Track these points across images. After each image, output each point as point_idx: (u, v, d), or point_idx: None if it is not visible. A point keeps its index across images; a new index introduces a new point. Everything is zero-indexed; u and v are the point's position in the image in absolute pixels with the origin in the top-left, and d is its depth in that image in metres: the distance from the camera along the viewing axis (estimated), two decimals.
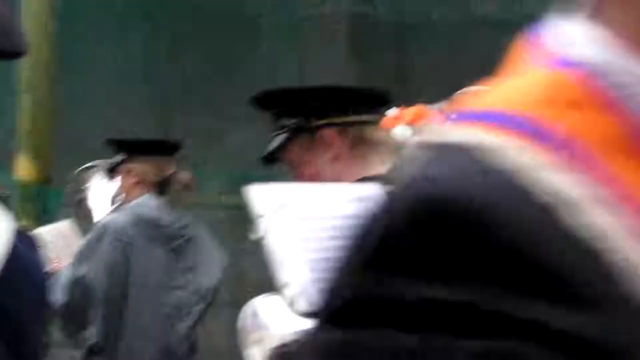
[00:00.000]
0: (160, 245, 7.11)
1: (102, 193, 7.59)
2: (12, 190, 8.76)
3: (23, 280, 2.41)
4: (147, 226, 7.12)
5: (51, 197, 9.05)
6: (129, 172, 7.22)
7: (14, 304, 2.38)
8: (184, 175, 7.27)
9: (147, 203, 7.15)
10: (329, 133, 4.08)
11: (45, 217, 8.84)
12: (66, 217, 8.27)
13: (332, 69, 9.74)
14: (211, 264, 7.25)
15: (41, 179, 9.03)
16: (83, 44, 9.70)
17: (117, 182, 7.48)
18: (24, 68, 8.72)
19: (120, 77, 9.92)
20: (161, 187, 7.24)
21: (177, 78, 10.35)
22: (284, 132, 4.14)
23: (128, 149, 7.28)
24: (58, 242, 7.35)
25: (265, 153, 4.21)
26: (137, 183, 7.22)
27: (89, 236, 7.14)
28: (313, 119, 4.11)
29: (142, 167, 7.24)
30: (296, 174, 4.14)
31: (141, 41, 10.24)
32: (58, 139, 9.12)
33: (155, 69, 10.24)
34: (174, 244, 7.15)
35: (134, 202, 7.14)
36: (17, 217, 8.59)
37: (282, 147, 4.13)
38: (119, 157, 7.27)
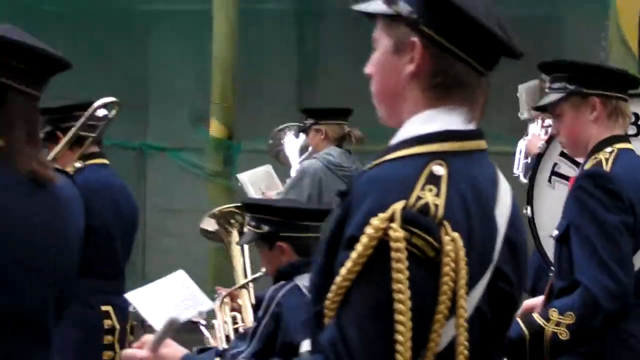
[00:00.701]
0: (341, 181, 7.85)
1: (292, 146, 8.54)
2: (208, 143, 10.14)
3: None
4: (334, 169, 7.94)
5: (233, 149, 10.21)
6: (317, 131, 8.06)
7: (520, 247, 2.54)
8: (357, 133, 8.10)
9: (332, 153, 7.97)
10: (596, 100, 4.39)
11: (229, 162, 10.14)
12: (244, 163, 9.40)
13: None
14: None
15: (227, 136, 10.16)
16: (261, 44, 10.66)
17: (301, 138, 8.45)
18: (216, 57, 9.96)
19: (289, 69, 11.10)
20: (340, 141, 8.08)
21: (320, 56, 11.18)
22: (561, 92, 4.46)
23: (318, 115, 8.14)
24: (262, 180, 8.31)
25: (539, 103, 4.58)
26: (324, 139, 8.04)
27: (294, 175, 8.08)
28: (588, 87, 4.41)
29: (328, 127, 8.06)
30: (558, 125, 4.56)
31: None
32: (238, 108, 10.23)
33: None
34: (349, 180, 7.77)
35: (323, 152, 7.97)
36: (211, 163, 10.01)
37: (555, 102, 4.47)
38: (310, 120, 8.13)
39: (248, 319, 5.82)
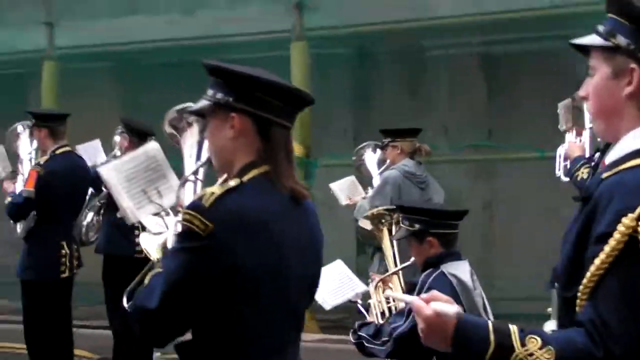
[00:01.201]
0: (415, 186, 8.37)
1: (371, 160, 8.91)
2: None
3: None
4: (410, 177, 8.37)
5: (310, 165, 10.88)
6: (394, 147, 8.50)
7: None
8: (425, 147, 8.60)
9: (407, 164, 8.40)
10: None
11: (308, 176, 10.76)
12: (320, 176, 10.04)
13: None
14: (438, 196, 8.53)
15: (305, 155, 10.83)
16: (328, 83, 11.25)
17: (378, 154, 8.80)
18: None
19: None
20: (413, 154, 8.51)
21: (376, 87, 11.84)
22: None
23: (395, 134, 8.55)
24: (348, 188, 8.72)
25: None
26: (400, 153, 8.45)
27: (378, 183, 8.40)
28: None
29: (403, 143, 8.49)
30: None
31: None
32: (313, 132, 10.91)
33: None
34: (422, 185, 8.43)
35: (399, 164, 8.39)
36: None
37: None
38: (388, 139, 8.54)
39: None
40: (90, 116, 9.48)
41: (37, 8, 11.84)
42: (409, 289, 5.44)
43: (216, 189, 3.06)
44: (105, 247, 8.89)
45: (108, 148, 9.43)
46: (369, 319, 5.79)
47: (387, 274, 6.06)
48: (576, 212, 2.60)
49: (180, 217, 3.40)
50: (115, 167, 4.35)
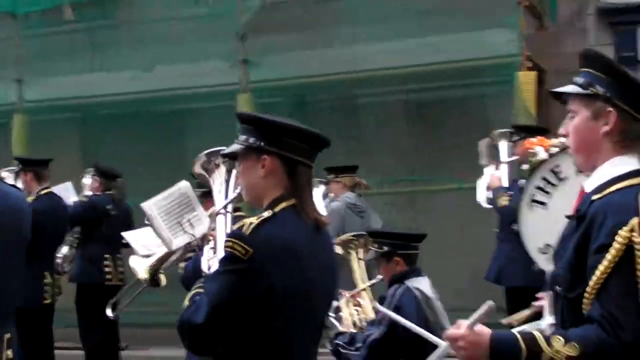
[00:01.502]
0: (356, 215, 8.82)
1: (317, 194, 8.83)
2: (243, 206, 10.74)
3: None
4: (351, 207, 8.83)
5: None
6: (337, 182, 9.00)
7: None
8: (364, 182, 9.10)
9: (349, 196, 8.90)
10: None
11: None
12: None
13: None
14: (376, 224, 8.85)
15: None
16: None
17: (322, 188, 9.10)
18: None
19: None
20: (353, 188, 9.00)
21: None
22: None
23: (338, 171, 8.98)
24: None
25: None
26: (343, 187, 8.95)
27: (325, 214, 7.52)
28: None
29: (345, 178, 8.98)
30: None
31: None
32: None
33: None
34: (362, 214, 8.86)
35: (342, 196, 8.88)
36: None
37: None
38: (331, 175, 9.00)
39: (368, 313, 6.16)
40: (57, 163, 9.77)
41: (8, 66, 12.16)
42: (379, 301, 5.70)
43: (254, 220, 3.23)
44: (78, 277, 9.31)
45: (76, 190, 9.72)
46: (341, 329, 6.04)
47: (356, 290, 6.34)
48: (566, 229, 2.94)
49: (211, 244, 3.82)
50: (156, 203, 4.69)
